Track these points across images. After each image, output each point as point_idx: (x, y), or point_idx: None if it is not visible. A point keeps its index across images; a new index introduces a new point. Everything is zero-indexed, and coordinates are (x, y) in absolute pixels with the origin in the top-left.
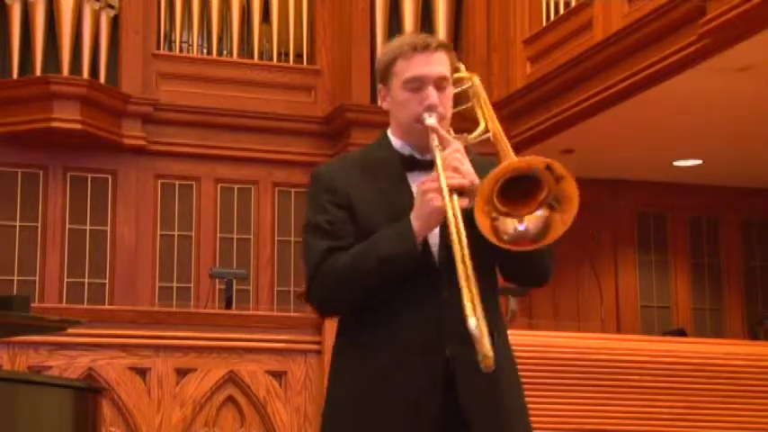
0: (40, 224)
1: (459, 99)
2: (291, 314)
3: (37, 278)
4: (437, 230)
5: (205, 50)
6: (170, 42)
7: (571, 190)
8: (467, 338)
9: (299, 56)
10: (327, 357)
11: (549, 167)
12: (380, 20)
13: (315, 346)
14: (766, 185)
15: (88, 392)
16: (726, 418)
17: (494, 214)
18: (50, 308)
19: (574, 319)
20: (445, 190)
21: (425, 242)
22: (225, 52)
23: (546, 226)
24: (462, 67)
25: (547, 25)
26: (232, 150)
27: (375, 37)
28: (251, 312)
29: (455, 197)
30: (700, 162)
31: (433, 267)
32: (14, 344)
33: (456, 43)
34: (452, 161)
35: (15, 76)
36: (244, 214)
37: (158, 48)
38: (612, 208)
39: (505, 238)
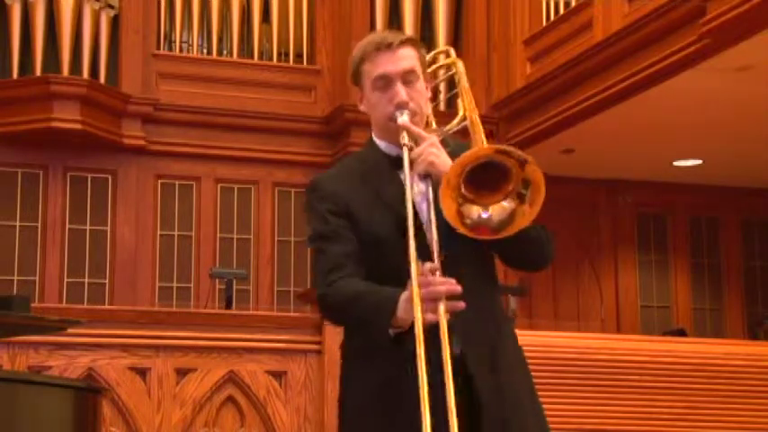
0: (40, 224)
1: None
2: (291, 314)
3: (37, 278)
4: (434, 232)
5: (205, 50)
6: (170, 42)
7: (536, 176)
8: (474, 337)
9: (299, 56)
10: (327, 357)
11: (507, 154)
12: (380, 20)
13: (315, 346)
14: (766, 185)
15: (88, 392)
16: (726, 418)
17: (459, 200)
18: (50, 308)
19: (574, 319)
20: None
21: (425, 245)
22: (225, 52)
23: (511, 216)
24: (452, 51)
25: (547, 25)
26: (232, 150)
27: None
28: (251, 312)
29: (441, 308)
30: (700, 162)
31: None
32: (14, 344)
33: (456, 43)
34: (428, 155)
35: (15, 76)
36: (244, 214)
37: (158, 48)
38: (612, 208)
39: (468, 222)
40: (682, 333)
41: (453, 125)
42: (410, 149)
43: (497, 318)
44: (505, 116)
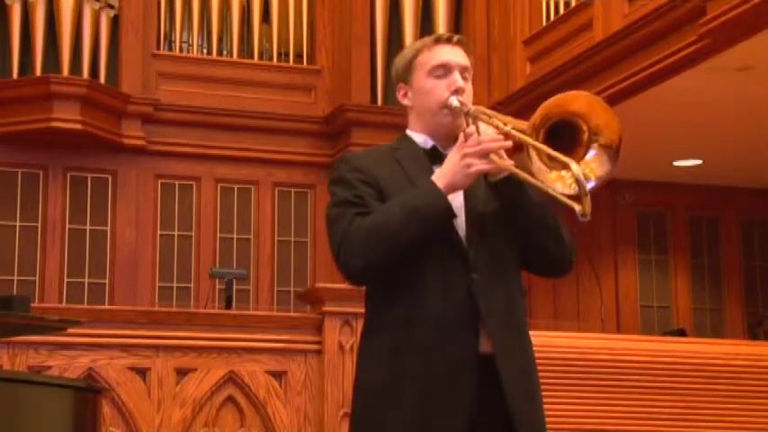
0: (40, 224)
1: None
2: (291, 314)
3: (37, 278)
4: (462, 214)
5: (205, 50)
6: (170, 42)
7: (603, 118)
8: (500, 319)
9: (299, 56)
10: (327, 357)
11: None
12: (380, 20)
13: (315, 346)
14: (766, 185)
15: (88, 392)
16: (726, 418)
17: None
18: (50, 308)
19: (574, 319)
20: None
21: (451, 225)
22: (225, 52)
23: (607, 151)
24: None
25: (547, 25)
26: (232, 150)
27: (375, 37)
28: (251, 312)
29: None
30: (700, 162)
31: (461, 250)
32: (14, 344)
33: None
34: (487, 129)
35: (15, 76)
36: (244, 214)
37: (158, 48)
38: (612, 208)
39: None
40: (682, 333)
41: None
42: (467, 114)
43: (523, 318)
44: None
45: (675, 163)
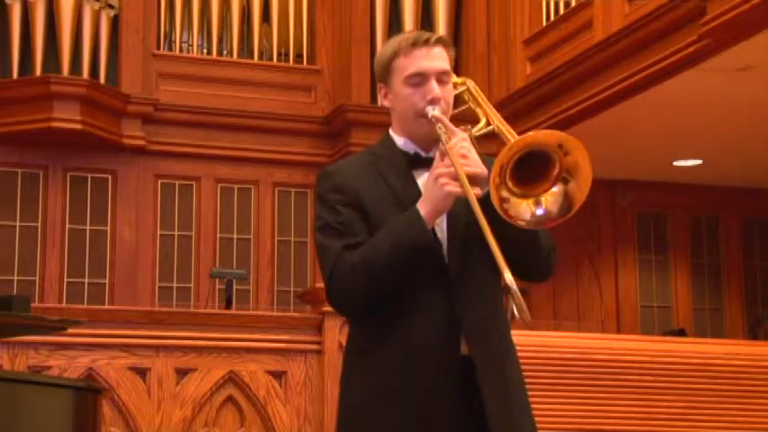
0: (39, 224)
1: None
2: (291, 314)
3: (37, 278)
4: (445, 229)
5: (205, 50)
6: (170, 42)
7: (581, 161)
8: (481, 336)
9: (299, 56)
10: (327, 357)
11: (560, 146)
12: (380, 20)
13: (315, 346)
14: (766, 185)
15: (88, 392)
16: (726, 418)
17: (505, 194)
18: (50, 308)
19: (574, 319)
20: (462, 174)
21: (435, 240)
22: (225, 52)
23: (567, 198)
24: (453, 75)
25: (547, 25)
26: (232, 150)
27: (375, 37)
28: (251, 312)
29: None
30: (700, 162)
31: (443, 267)
32: (14, 344)
33: (456, 43)
34: (460, 149)
35: (15, 76)
36: (244, 214)
37: (158, 48)
38: (612, 208)
39: (523, 223)
40: (682, 333)
41: (478, 128)
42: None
43: (505, 329)
44: (505, 116)
45: (675, 163)
